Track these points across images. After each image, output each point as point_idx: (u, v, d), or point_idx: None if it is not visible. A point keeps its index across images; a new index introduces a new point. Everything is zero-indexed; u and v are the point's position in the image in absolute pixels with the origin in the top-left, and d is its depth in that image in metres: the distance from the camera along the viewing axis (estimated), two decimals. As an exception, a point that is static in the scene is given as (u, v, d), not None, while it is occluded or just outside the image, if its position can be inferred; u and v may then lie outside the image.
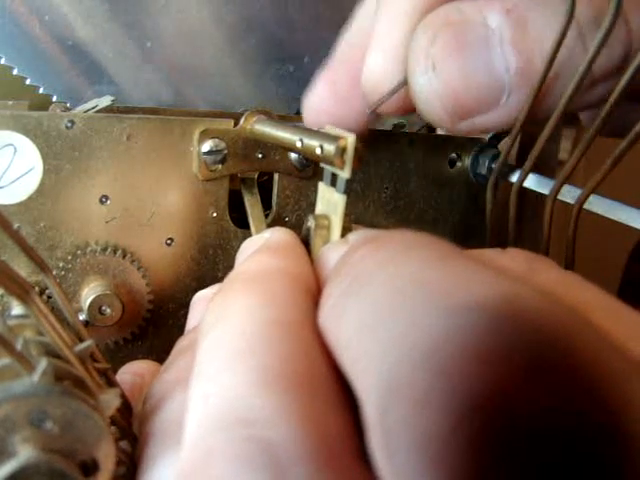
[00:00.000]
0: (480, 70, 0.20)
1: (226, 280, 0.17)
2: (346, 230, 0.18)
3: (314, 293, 0.16)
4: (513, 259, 0.16)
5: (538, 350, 0.11)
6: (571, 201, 0.25)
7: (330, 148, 0.19)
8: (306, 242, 0.19)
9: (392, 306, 0.12)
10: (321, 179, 0.20)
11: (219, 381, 0.13)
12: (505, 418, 0.10)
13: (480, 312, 0.11)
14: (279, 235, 0.19)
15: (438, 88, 0.20)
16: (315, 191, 0.21)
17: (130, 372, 0.21)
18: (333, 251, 0.18)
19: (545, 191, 0.29)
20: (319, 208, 0.20)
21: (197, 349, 0.15)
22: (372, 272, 0.14)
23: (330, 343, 0.14)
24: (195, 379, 0.14)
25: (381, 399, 0.11)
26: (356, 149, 0.18)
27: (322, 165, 0.20)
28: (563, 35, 0.19)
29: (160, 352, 0.28)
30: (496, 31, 0.20)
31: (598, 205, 0.25)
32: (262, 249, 0.18)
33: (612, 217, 0.25)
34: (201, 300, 0.22)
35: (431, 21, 0.21)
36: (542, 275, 0.16)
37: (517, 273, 0.16)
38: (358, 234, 0.17)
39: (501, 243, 0.29)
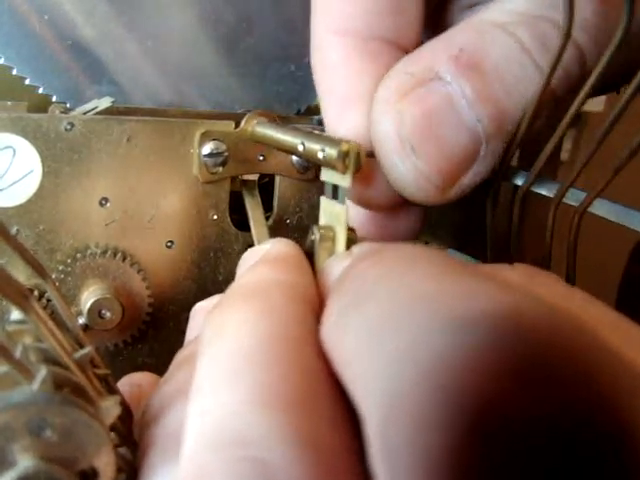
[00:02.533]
0: (454, 132, 0.19)
1: (225, 293, 0.17)
2: (351, 242, 0.18)
3: (316, 307, 0.16)
4: (516, 274, 0.16)
5: (542, 366, 0.10)
6: (573, 203, 0.25)
7: (332, 152, 0.18)
8: (310, 254, 0.19)
9: (393, 321, 0.12)
10: (321, 191, 0.20)
11: (216, 398, 0.13)
12: (508, 434, 0.10)
13: (481, 327, 0.11)
14: (280, 247, 0.18)
15: (424, 169, 0.20)
16: (316, 193, 0.21)
17: (128, 383, 0.21)
18: (337, 263, 0.17)
19: (547, 193, 0.28)
20: (322, 222, 0.20)
21: (196, 363, 0.15)
22: (373, 286, 0.14)
23: (331, 359, 0.14)
24: (193, 395, 0.14)
25: (382, 417, 0.11)
26: (357, 157, 0.18)
27: (323, 179, 0.20)
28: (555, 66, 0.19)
29: (160, 355, 0.28)
30: (453, 84, 0.19)
31: (600, 207, 0.25)
32: (262, 261, 0.18)
33: (614, 219, 0.25)
34: (201, 311, 0.21)
35: (387, 98, 0.20)
36: (546, 290, 0.15)
37: (520, 287, 0.15)
38: (362, 246, 0.17)
39: (503, 246, 0.29)
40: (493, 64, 0.19)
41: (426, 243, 0.33)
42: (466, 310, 0.11)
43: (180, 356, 0.19)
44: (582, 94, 0.19)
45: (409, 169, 0.20)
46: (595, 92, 0.20)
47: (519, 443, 0.10)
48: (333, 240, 0.19)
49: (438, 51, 0.20)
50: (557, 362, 0.10)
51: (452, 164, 0.20)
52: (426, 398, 0.10)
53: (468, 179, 0.21)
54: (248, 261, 0.19)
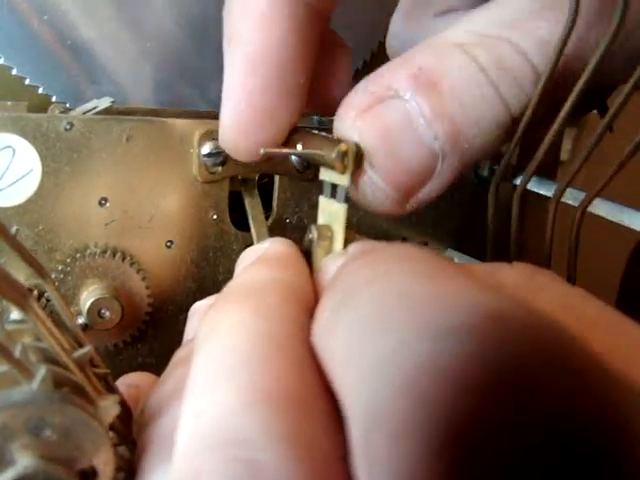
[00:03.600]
0: (411, 148, 0.20)
1: (221, 292, 0.17)
2: (349, 241, 0.18)
3: (311, 305, 0.16)
4: (516, 274, 0.16)
5: (524, 377, 0.10)
6: (573, 203, 0.25)
7: (331, 152, 0.19)
8: (308, 253, 0.19)
9: (378, 327, 0.12)
10: (321, 191, 0.20)
11: (209, 399, 0.13)
12: (488, 448, 0.10)
13: (463, 336, 0.11)
14: (277, 246, 0.18)
15: (381, 184, 0.20)
16: (316, 193, 0.21)
17: (125, 383, 0.21)
18: (332, 262, 0.18)
19: (547, 192, 0.28)
20: (320, 221, 0.20)
21: (192, 363, 0.15)
22: (362, 288, 0.14)
23: (321, 360, 0.14)
24: (187, 395, 0.14)
25: (364, 426, 0.11)
26: (356, 156, 0.18)
27: (322, 178, 0.20)
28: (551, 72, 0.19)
29: (160, 355, 0.28)
30: (411, 102, 0.19)
31: (600, 207, 0.25)
32: (259, 261, 0.18)
33: (614, 219, 0.25)
34: (199, 311, 0.21)
35: (347, 115, 0.20)
36: (546, 290, 0.15)
37: (520, 288, 0.15)
38: (357, 245, 0.17)
39: (503, 246, 0.29)
40: (451, 83, 0.19)
41: (425, 244, 0.33)
42: (449, 318, 0.11)
43: (177, 356, 0.19)
44: (576, 90, 0.20)
45: (366, 183, 0.20)
46: (580, 109, 0.20)
47: (500, 461, 0.10)
48: (331, 239, 0.19)
49: (398, 70, 0.20)
50: (544, 367, 0.10)
51: (409, 179, 0.20)
52: (405, 411, 0.10)
53: (424, 194, 0.21)
54: (246, 260, 0.19)
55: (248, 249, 0.20)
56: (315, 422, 0.13)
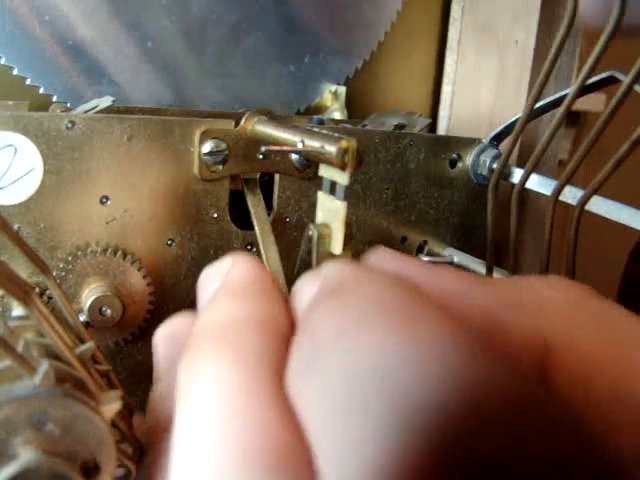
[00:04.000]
0: None
1: (195, 333, 0.15)
2: (347, 237, 0.18)
3: (288, 333, 0.15)
4: (549, 287, 0.15)
5: (503, 474, 0.10)
6: (572, 201, 0.25)
7: (331, 149, 0.19)
8: (307, 251, 0.19)
9: (346, 399, 0.12)
10: (320, 188, 0.20)
11: (198, 467, 0.12)
12: None
13: (433, 424, 0.10)
14: (242, 269, 0.17)
15: None
16: (316, 191, 0.21)
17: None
18: (306, 288, 0.16)
19: (546, 191, 0.29)
20: (319, 218, 0.20)
21: (175, 422, 0.14)
22: (328, 345, 0.13)
23: (295, 412, 0.13)
24: (175, 459, 0.13)
25: None
26: (356, 153, 0.18)
27: (321, 174, 0.20)
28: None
29: (160, 353, 0.28)
30: None
31: (599, 206, 0.25)
32: (228, 292, 0.16)
33: (613, 218, 0.26)
34: (162, 340, 0.20)
35: None
36: (581, 307, 0.15)
37: (552, 304, 0.15)
38: (329, 270, 0.16)
39: (502, 244, 0.29)
40: None
41: (425, 242, 0.33)
42: (418, 396, 0.11)
43: (156, 394, 0.18)
44: (573, 91, 0.20)
45: None
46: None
47: None
48: (330, 236, 0.19)
49: None
50: (527, 465, 0.10)
51: None
52: None
53: None
54: (210, 283, 0.18)
55: (210, 267, 0.18)
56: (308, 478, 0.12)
